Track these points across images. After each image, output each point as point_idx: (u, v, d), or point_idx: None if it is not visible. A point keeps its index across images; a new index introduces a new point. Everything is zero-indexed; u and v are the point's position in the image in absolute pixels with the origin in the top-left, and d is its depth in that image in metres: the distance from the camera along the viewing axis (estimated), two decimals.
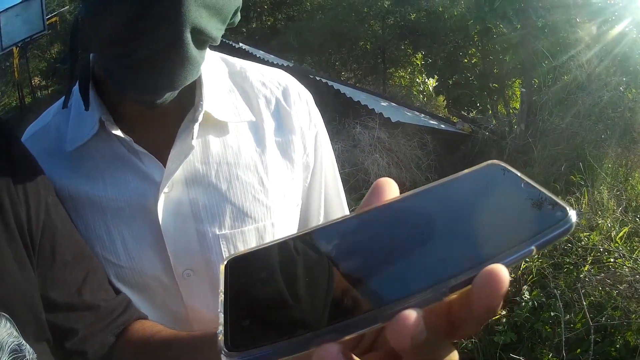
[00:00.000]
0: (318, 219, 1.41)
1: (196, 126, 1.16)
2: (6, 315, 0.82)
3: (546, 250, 5.08)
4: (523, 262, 4.95)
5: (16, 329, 0.83)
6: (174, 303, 1.24)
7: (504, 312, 4.59)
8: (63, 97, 1.28)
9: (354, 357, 0.45)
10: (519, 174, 0.49)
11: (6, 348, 0.79)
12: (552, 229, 0.42)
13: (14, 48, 18.66)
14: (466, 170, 0.52)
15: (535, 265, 4.99)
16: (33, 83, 23.16)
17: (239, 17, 1.13)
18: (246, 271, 0.50)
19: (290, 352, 0.41)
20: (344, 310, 0.43)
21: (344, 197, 1.49)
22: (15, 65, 20.58)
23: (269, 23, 20.53)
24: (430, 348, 0.42)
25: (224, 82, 1.28)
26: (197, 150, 1.20)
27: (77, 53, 1.12)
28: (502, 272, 0.40)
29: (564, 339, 4.02)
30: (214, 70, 1.26)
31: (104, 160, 1.19)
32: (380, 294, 0.42)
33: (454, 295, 0.42)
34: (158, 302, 1.24)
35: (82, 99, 1.15)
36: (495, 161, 0.53)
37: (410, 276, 0.43)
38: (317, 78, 10.97)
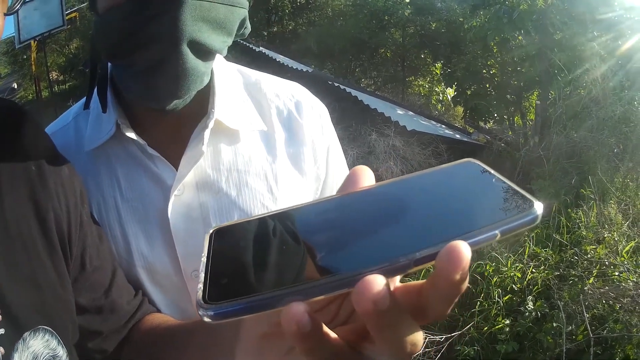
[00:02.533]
0: None
1: (207, 132, 1.19)
2: (46, 327, 0.86)
3: (552, 262, 5.11)
4: (529, 273, 4.97)
5: (57, 339, 0.88)
6: (183, 300, 1.27)
7: (507, 322, 4.60)
8: (83, 100, 1.32)
9: (323, 325, 0.48)
10: (492, 171, 0.53)
11: (41, 358, 0.84)
12: (517, 218, 0.46)
13: (32, 42, 18.52)
14: (444, 165, 0.56)
15: (540, 277, 4.97)
16: (51, 77, 23.05)
17: (249, 28, 1.17)
18: (227, 240, 0.55)
19: (260, 308, 0.45)
20: (313, 275, 0.46)
21: None
22: (32, 59, 20.54)
23: (290, 27, 20.54)
24: (394, 322, 0.45)
25: (238, 92, 1.31)
26: (208, 156, 1.24)
27: (96, 62, 1.17)
28: (463, 248, 0.42)
29: (564, 350, 4.04)
30: (228, 81, 1.29)
31: (119, 161, 1.24)
32: (349, 263, 0.46)
33: (418, 268, 0.45)
34: (168, 299, 1.28)
35: (100, 102, 1.20)
36: (472, 159, 0.56)
37: (379, 249, 0.47)
38: (336, 84, 11.00)
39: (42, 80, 22.57)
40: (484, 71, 13.10)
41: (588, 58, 8.57)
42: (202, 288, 0.47)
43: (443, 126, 12.35)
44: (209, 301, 0.46)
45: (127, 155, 1.24)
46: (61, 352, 0.88)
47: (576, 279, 4.76)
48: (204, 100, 1.21)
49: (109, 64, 1.22)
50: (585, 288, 4.53)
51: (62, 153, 1.12)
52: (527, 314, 4.56)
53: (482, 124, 13.17)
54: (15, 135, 0.96)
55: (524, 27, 9.95)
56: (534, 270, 5.06)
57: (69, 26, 21.01)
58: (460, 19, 13.15)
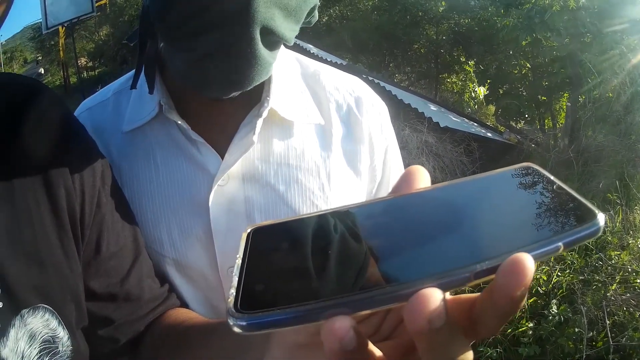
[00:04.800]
0: None
1: (259, 122, 1.12)
2: (47, 306, 0.83)
3: (577, 266, 5.15)
4: (555, 276, 5.01)
5: (58, 319, 0.85)
6: (215, 297, 1.20)
7: (530, 325, 4.62)
8: (125, 76, 1.30)
9: (369, 342, 0.45)
10: (552, 177, 0.50)
11: (39, 338, 0.81)
12: (580, 229, 0.43)
13: (60, 28, 18.64)
14: (501, 169, 0.53)
15: (565, 280, 4.99)
16: (79, 64, 23.21)
17: (316, 16, 1.09)
18: (267, 241, 0.51)
19: (299, 321, 0.41)
20: (362, 285, 0.42)
21: None
22: (60, 45, 20.61)
23: (323, 20, 20.50)
24: (446, 341, 0.41)
25: (295, 81, 1.24)
26: (257, 147, 1.16)
27: (145, 39, 1.10)
28: (528, 261, 0.39)
29: (584, 356, 4.07)
30: (286, 69, 1.23)
31: (159, 144, 1.17)
32: (402, 273, 0.42)
33: (477, 281, 0.41)
34: (199, 295, 1.20)
35: (147, 82, 1.12)
36: (530, 163, 0.53)
37: (435, 259, 0.43)
38: (370, 78, 10.93)
39: (70, 67, 22.83)
40: (515, 71, 13.03)
41: (618, 61, 8.54)
42: (234, 294, 0.43)
43: (475, 124, 12.29)
44: (241, 310, 0.42)
45: (168, 138, 1.17)
46: (62, 333, 0.85)
47: (599, 284, 4.78)
48: (258, 87, 1.10)
49: (160, 42, 1.15)
50: (608, 294, 4.56)
51: (97, 130, 1.13)
52: (550, 317, 4.55)
53: (513, 123, 13.13)
54: (34, 112, 0.92)
55: (555, 28, 9.92)
56: (559, 273, 5.06)
57: (99, 13, 21.20)
58: (495, 18, 13.05)
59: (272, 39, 0.98)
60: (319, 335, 0.46)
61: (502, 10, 12.17)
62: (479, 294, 0.44)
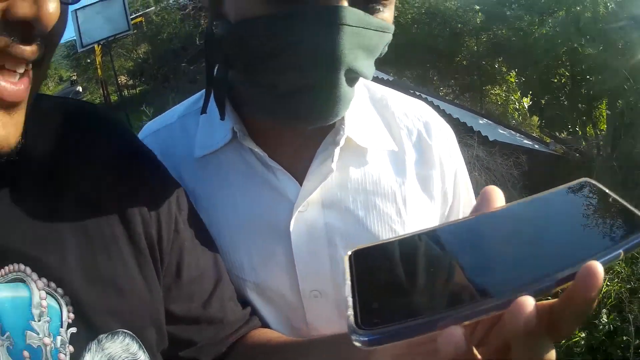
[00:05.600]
0: None
1: (337, 150, 1.12)
2: (126, 331, 0.84)
3: (624, 275, 5.26)
4: (604, 286, 4.98)
5: (139, 343, 0.85)
6: (296, 320, 1.20)
7: (583, 335, 4.68)
8: (189, 100, 1.31)
9: (473, 347, 0.51)
10: (607, 191, 0.55)
11: None
12: (636, 237, 0.48)
13: (96, 46, 18.61)
14: (562, 186, 0.58)
15: (614, 290, 5.07)
16: (119, 82, 23.25)
17: (386, 49, 1.09)
18: (369, 262, 0.55)
19: (417, 332, 0.46)
20: (466, 297, 0.47)
21: None
22: (98, 63, 20.51)
23: None
24: (537, 342, 0.48)
25: (366, 108, 1.25)
26: (335, 174, 1.15)
27: (213, 64, 1.10)
28: (599, 268, 0.45)
29: None
30: (356, 95, 1.16)
31: (234, 170, 1.17)
32: (498, 285, 0.48)
33: (559, 288, 0.46)
34: (280, 316, 1.20)
35: (217, 109, 1.11)
36: (588, 179, 0.58)
37: (523, 270, 0.49)
38: (417, 93, 10.78)
39: (110, 85, 22.83)
40: (555, 80, 12.99)
41: None
42: (353, 313, 0.48)
43: (522, 136, 12.27)
44: (363, 327, 0.46)
45: (244, 165, 1.16)
46: (142, 357, 0.85)
47: None
48: None
49: (228, 70, 1.09)
50: None
51: (166, 154, 1.10)
52: (600, 327, 4.63)
53: (556, 133, 13.09)
54: (101, 139, 0.92)
55: (590, 35, 9.95)
56: (608, 283, 5.10)
57: (135, 30, 21.20)
58: (531, 27, 12.94)
59: (355, 77, 0.99)
60: (414, 346, 0.58)
61: (537, 19, 12.21)
62: (554, 300, 0.50)
